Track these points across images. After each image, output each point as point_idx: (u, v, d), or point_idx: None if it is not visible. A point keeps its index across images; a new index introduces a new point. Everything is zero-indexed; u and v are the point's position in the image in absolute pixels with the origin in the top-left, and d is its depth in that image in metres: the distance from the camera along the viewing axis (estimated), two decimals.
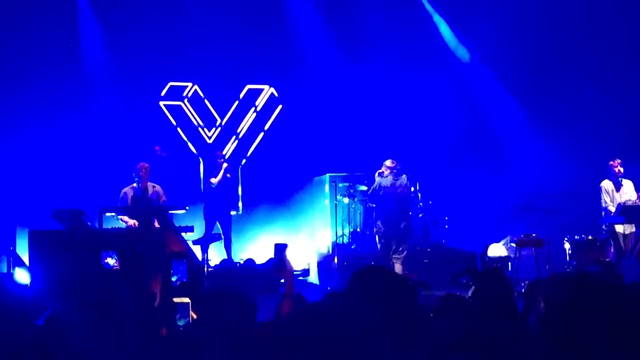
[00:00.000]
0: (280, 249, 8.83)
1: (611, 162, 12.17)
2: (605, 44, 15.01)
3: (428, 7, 15.84)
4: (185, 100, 15.61)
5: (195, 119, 15.68)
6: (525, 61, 15.39)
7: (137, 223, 11.11)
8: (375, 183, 12.45)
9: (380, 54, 15.49)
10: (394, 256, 12.09)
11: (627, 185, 12.13)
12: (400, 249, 12.17)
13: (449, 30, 15.83)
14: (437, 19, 15.81)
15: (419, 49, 15.39)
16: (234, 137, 15.84)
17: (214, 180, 13.49)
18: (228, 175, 13.60)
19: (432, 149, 15.23)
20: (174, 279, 10.03)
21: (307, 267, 13.39)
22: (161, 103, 15.48)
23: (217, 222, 13.44)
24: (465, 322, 3.73)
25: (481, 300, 4.68)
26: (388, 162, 12.45)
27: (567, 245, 12.73)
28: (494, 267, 11.07)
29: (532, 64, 15.38)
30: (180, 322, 7.19)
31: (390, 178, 12.30)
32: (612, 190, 12.12)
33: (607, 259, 11.85)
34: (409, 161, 14.27)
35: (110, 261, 11.16)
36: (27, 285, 9.05)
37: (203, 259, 11.68)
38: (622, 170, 12.13)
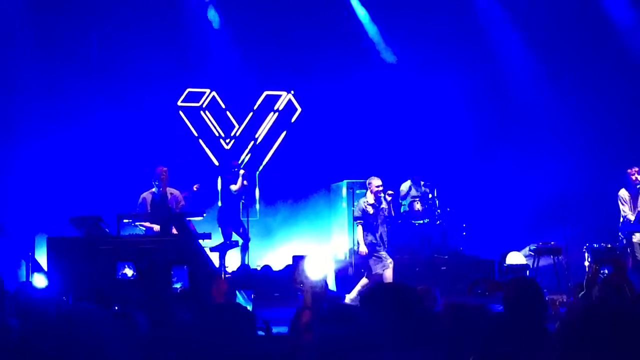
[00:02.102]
0: (297, 261, 8.71)
1: (629, 170, 12.06)
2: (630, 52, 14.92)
3: None
4: (203, 107, 15.66)
5: (213, 125, 15.72)
6: (543, 66, 15.33)
7: (158, 228, 11.12)
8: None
9: (399, 59, 15.49)
10: None
11: None
12: None
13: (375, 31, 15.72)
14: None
15: (436, 54, 15.33)
16: (251, 143, 15.87)
17: (234, 188, 13.53)
18: (245, 182, 13.62)
19: (451, 155, 15.20)
20: (177, 285, 10.03)
21: (325, 276, 13.34)
22: (179, 110, 15.54)
23: (234, 230, 13.50)
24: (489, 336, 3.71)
25: (511, 312, 4.61)
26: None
27: (586, 254, 12.62)
28: (528, 277, 10.95)
29: (550, 70, 15.32)
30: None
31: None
32: (630, 199, 12.01)
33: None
34: (428, 167, 14.26)
35: (128, 272, 11.14)
36: (45, 289, 9.11)
37: (221, 265, 11.68)
38: (639, 178, 12.01)
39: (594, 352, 2.05)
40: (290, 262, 12.73)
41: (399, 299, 3.44)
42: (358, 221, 11.80)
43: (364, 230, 11.66)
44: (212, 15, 15.25)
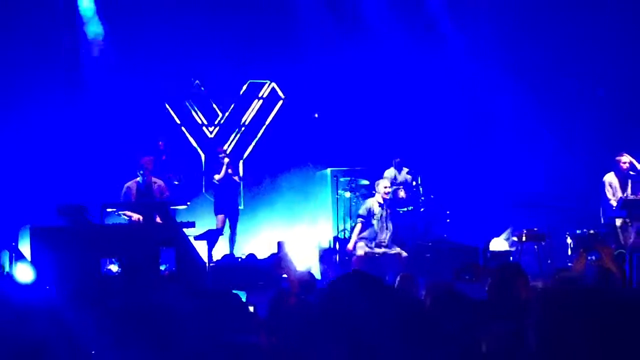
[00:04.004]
0: (281, 247, 8.62)
1: (618, 157, 12.11)
2: (609, 36, 14.93)
3: None
4: (187, 96, 15.59)
5: (197, 114, 15.67)
6: (528, 55, 15.35)
7: (141, 218, 11.11)
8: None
9: (382, 47, 15.47)
10: None
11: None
12: None
13: None
14: None
15: (422, 41, 15.32)
16: (235, 132, 15.84)
17: (217, 177, 13.54)
18: (229, 170, 13.62)
19: (435, 143, 15.22)
20: (162, 267, 10.04)
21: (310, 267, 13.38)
22: (163, 99, 15.47)
23: (227, 218, 13.55)
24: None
25: (497, 297, 4.64)
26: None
27: (569, 240, 12.71)
28: (513, 262, 11.01)
29: (535, 58, 15.34)
30: None
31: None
32: (617, 185, 12.08)
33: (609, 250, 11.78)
34: (412, 155, 14.29)
35: (113, 268, 11.12)
36: (29, 283, 9.09)
37: (208, 254, 11.69)
38: (627, 165, 12.08)
39: (572, 333, 2.07)
40: (275, 250, 12.75)
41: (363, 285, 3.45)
42: (359, 219, 12.09)
43: (362, 228, 11.97)
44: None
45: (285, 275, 11.24)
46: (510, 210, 14.16)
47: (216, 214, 13.60)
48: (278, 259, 11.80)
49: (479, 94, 15.55)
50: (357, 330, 3.02)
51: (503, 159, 15.07)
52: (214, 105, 15.77)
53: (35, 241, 9.44)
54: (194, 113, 15.65)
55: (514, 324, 3.62)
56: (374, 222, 11.96)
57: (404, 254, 11.97)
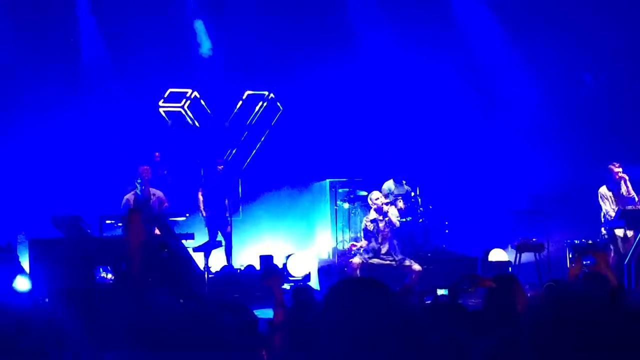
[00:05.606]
0: (264, 260, 8.48)
1: (610, 166, 12.09)
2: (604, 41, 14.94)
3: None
4: (185, 106, 15.61)
5: (195, 125, 15.67)
6: (526, 66, 15.38)
7: None
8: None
9: (382, 58, 15.49)
10: None
11: (624, 186, 12.06)
12: None
13: None
14: None
15: (417, 52, 15.35)
16: (234, 143, 15.84)
17: (202, 210, 13.54)
18: (201, 204, 13.61)
19: (433, 153, 15.23)
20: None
21: (307, 273, 13.36)
22: (161, 109, 15.49)
23: (219, 230, 13.51)
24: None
25: (492, 307, 4.64)
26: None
27: (567, 250, 12.69)
28: (508, 273, 10.98)
29: (534, 69, 15.36)
30: None
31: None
32: (611, 195, 12.07)
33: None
34: (410, 166, 14.30)
35: (107, 275, 11.11)
36: (27, 292, 9.09)
37: (205, 265, 11.69)
38: (621, 173, 12.05)
39: (561, 339, 2.07)
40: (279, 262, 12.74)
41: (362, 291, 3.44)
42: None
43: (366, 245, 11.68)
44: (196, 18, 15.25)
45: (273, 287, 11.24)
46: (509, 220, 14.15)
47: (207, 225, 13.56)
48: (264, 273, 11.78)
49: (476, 104, 15.58)
50: (352, 338, 3.02)
51: (501, 169, 15.07)
52: (212, 116, 15.77)
53: (34, 253, 9.44)
54: (192, 124, 15.65)
55: (507, 333, 3.62)
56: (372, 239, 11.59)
57: (417, 267, 11.44)
